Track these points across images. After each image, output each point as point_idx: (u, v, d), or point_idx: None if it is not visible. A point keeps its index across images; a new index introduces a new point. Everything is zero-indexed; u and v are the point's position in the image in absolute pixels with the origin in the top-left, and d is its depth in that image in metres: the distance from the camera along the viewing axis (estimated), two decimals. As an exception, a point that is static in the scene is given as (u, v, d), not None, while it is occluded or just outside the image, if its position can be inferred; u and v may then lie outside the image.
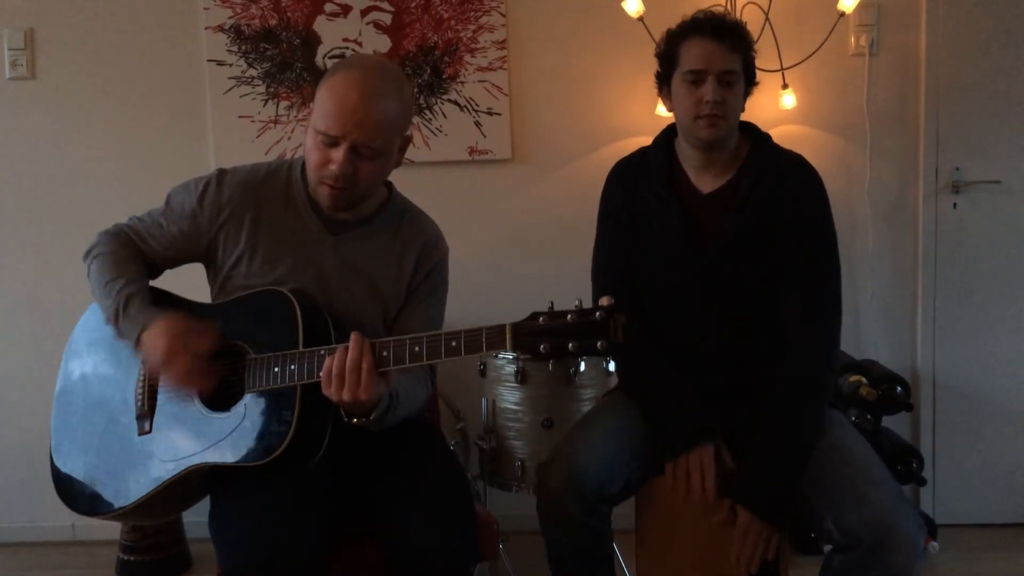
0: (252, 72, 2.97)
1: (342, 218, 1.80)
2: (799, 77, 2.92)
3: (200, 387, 1.66)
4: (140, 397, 1.74)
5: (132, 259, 1.79)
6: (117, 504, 1.72)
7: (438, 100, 2.98)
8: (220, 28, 2.95)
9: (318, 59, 2.96)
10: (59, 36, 2.98)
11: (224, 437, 1.65)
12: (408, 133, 1.78)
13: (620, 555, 2.41)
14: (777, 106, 2.91)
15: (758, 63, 1.92)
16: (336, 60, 2.81)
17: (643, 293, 1.93)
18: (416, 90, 2.96)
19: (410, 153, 2.94)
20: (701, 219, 1.89)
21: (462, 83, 2.97)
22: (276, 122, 2.99)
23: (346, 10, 2.96)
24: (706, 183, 1.92)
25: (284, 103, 2.98)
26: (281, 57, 2.97)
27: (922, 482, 2.83)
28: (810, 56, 2.87)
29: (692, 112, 1.84)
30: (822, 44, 2.85)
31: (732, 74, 1.82)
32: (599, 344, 1.40)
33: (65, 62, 2.99)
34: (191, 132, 3.00)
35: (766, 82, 2.73)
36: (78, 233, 2.91)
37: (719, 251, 1.87)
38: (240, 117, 2.98)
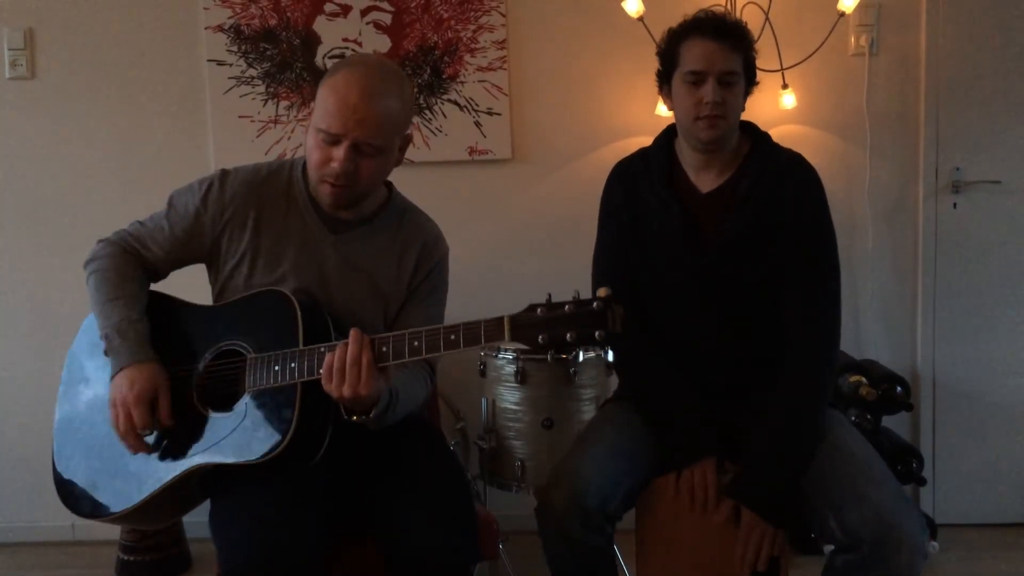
0: (252, 72, 2.97)
1: (343, 217, 1.81)
2: (799, 77, 2.92)
3: (129, 449, 1.69)
4: None
5: (132, 275, 1.80)
6: (118, 506, 1.72)
7: (438, 100, 2.98)
8: (220, 28, 2.95)
9: (318, 59, 2.96)
10: (59, 36, 2.98)
11: (224, 437, 1.65)
12: (408, 132, 1.79)
13: (620, 555, 2.41)
14: (777, 106, 2.91)
15: (758, 63, 1.91)
16: (336, 60, 2.81)
17: (643, 293, 1.93)
18: (416, 90, 2.96)
19: (410, 153, 2.94)
20: (701, 219, 1.89)
21: (462, 83, 2.97)
22: (276, 122, 2.99)
23: (346, 10, 2.96)
24: (706, 182, 1.92)
25: (284, 103, 2.98)
26: (281, 57, 2.97)
27: (922, 482, 2.83)
28: (810, 56, 2.87)
29: (692, 113, 1.84)
30: (822, 44, 2.85)
31: (733, 75, 1.82)
32: (597, 334, 1.40)
33: (65, 62, 2.99)
34: (191, 132, 3.00)
35: (766, 82, 2.73)
36: (78, 233, 2.94)
37: (719, 251, 1.87)
38: (240, 117, 2.98)
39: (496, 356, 2.48)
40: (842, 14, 2.79)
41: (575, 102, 3.00)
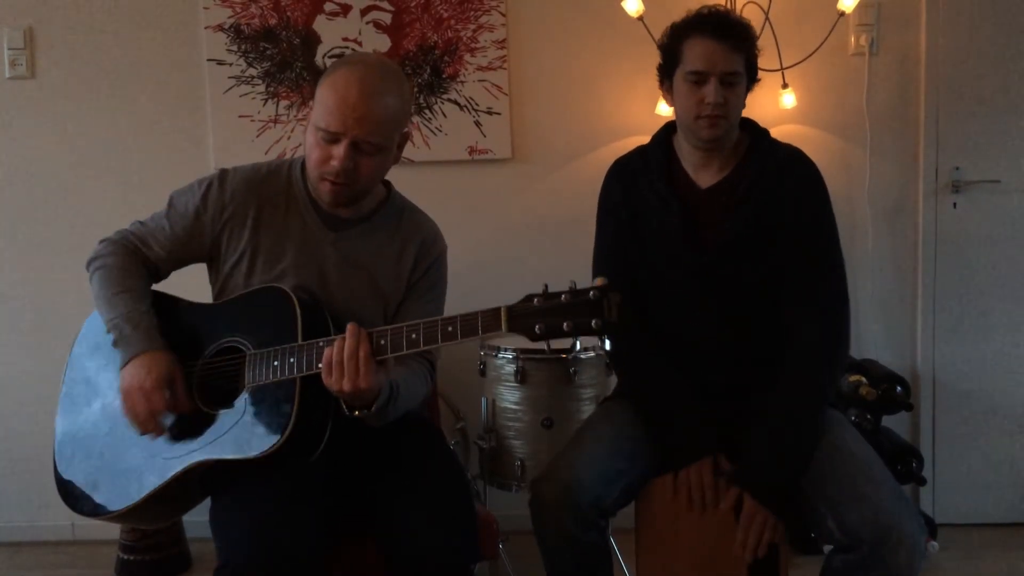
0: (252, 71, 2.97)
1: (342, 215, 1.82)
2: (799, 77, 2.92)
3: (145, 433, 1.69)
4: None
5: (135, 271, 1.81)
6: (119, 504, 1.72)
7: (438, 100, 2.98)
8: (220, 27, 2.95)
9: (318, 58, 2.96)
10: (59, 35, 2.97)
11: (224, 432, 1.65)
12: (407, 130, 1.80)
13: (620, 555, 2.41)
14: (777, 106, 2.91)
15: (758, 63, 1.91)
16: (335, 59, 2.81)
17: (643, 291, 1.93)
18: (416, 90, 2.97)
19: (410, 153, 2.97)
20: (700, 216, 1.89)
21: (462, 83, 2.97)
22: (276, 121, 2.99)
23: (346, 9, 2.96)
24: (705, 179, 1.91)
25: (284, 102, 2.98)
26: (281, 56, 2.97)
27: (922, 482, 2.83)
28: (810, 56, 2.87)
29: (693, 112, 1.83)
30: (822, 44, 2.85)
31: (735, 75, 1.81)
32: (594, 323, 1.41)
33: (65, 61, 2.98)
34: (191, 131, 3.00)
35: (766, 81, 2.73)
36: (79, 233, 2.95)
37: (719, 248, 1.86)
38: (240, 116, 2.98)
39: (496, 355, 2.48)
40: (842, 14, 2.79)
41: (575, 102, 3.00)
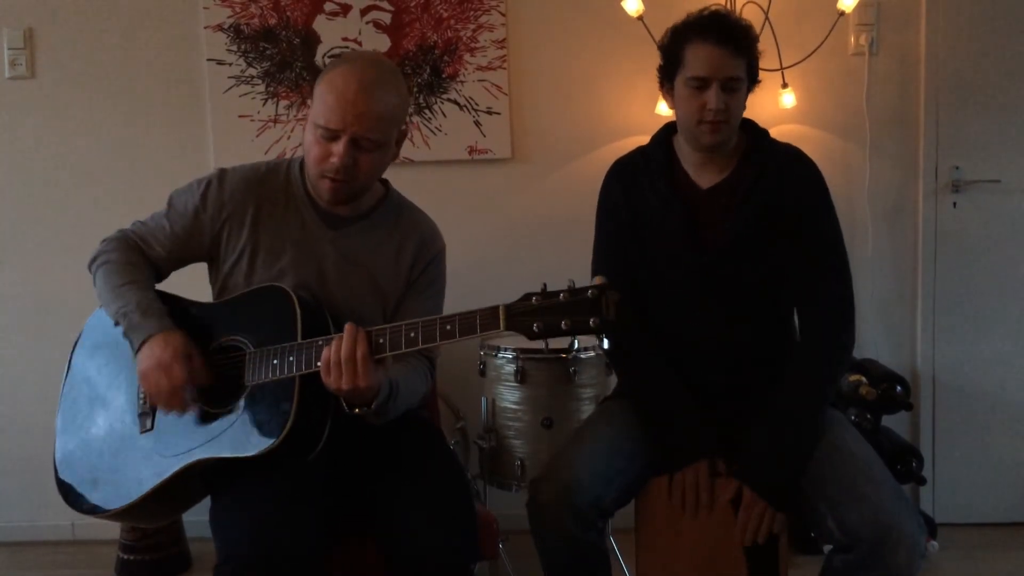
0: (252, 71, 2.97)
1: (341, 213, 1.83)
2: (799, 76, 2.92)
3: (169, 408, 1.67)
4: (142, 395, 1.75)
5: (139, 264, 1.82)
6: (119, 502, 1.72)
7: (438, 99, 2.98)
8: (220, 27, 2.95)
9: (318, 58, 2.96)
10: (59, 36, 2.97)
11: (224, 431, 1.65)
12: (405, 127, 1.81)
13: (620, 555, 2.41)
14: (777, 105, 2.91)
15: (759, 64, 1.91)
16: (334, 58, 2.81)
17: (643, 291, 1.93)
18: (416, 89, 2.97)
19: (410, 152, 2.97)
20: (701, 217, 1.89)
21: (462, 82, 2.97)
22: (276, 121, 2.99)
23: (346, 9, 2.96)
24: (706, 179, 1.91)
25: (284, 102, 2.98)
26: (281, 56, 2.97)
27: (922, 481, 2.83)
28: (810, 55, 2.87)
29: (695, 117, 1.83)
30: (822, 43, 2.85)
31: (736, 80, 1.81)
32: (592, 321, 1.40)
33: (65, 61, 2.98)
34: (191, 131, 3.00)
35: (766, 81, 2.71)
36: (78, 232, 2.94)
37: (720, 249, 1.86)
38: (240, 116, 2.98)
39: (496, 355, 2.48)
40: (842, 13, 2.79)
41: (575, 102, 3.00)
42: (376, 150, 1.72)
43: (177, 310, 1.81)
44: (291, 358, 1.62)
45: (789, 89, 2.89)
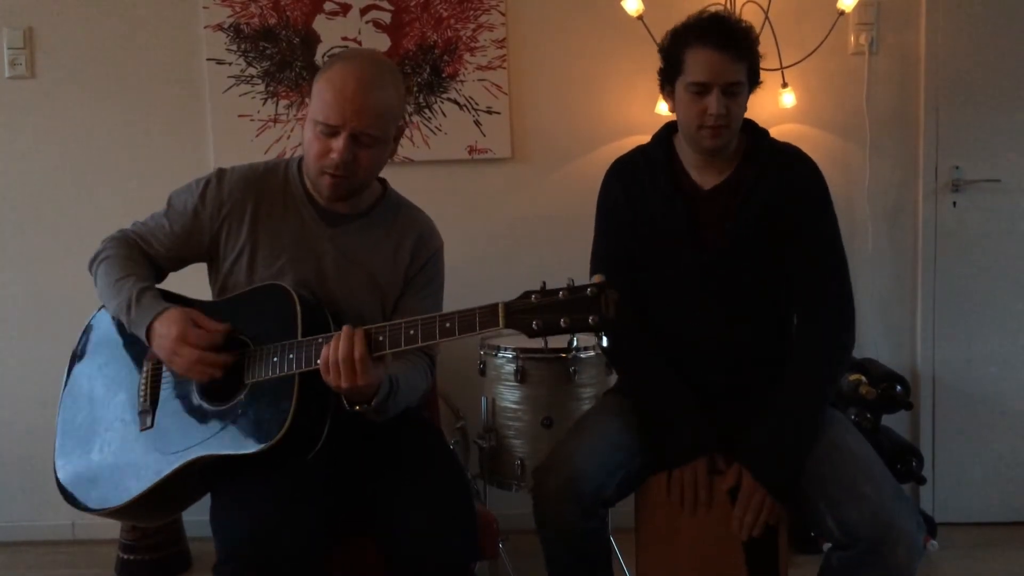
0: (251, 71, 2.97)
1: (339, 211, 1.84)
2: (799, 76, 2.92)
3: (207, 376, 1.67)
4: (143, 393, 1.76)
5: (137, 259, 1.84)
6: (118, 500, 1.72)
7: (438, 99, 2.98)
8: (219, 27, 2.95)
9: (317, 58, 2.96)
10: (59, 36, 2.97)
11: (224, 428, 1.66)
12: (402, 123, 1.83)
13: (620, 555, 2.41)
14: (777, 105, 2.91)
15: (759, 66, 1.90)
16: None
17: (643, 291, 1.93)
18: (416, 89, 2.97)
19: (410, 152, 2.97)
20: (702, 217, 1.89)
21: (462, 82, 2.97)
22: (275, 121, 2.99)
23: (345, 9, 2.96)
24: (707, 180, 1.91)
25: (283, 102, 2.98)
26: (280, 56, 2.97)
27: (922, 481, 2.83)
28: (810, 55, 2.87)
29: (696, 121, 1.82)
30: (822, 43, 2.85)
31: (737, 84, 1.80)
32: (591, 319, 1.41)
33: (64, 61, 2.98)
34: (190, 131, 3.00)
35: (766, 81, 2.70)
36: (78, 232, 2.95)
37: (721, 249, 1.87)
38: (240, 116, 2.98)
39: (496, 355, 2.48)
40: (842, 13, 2.79)
41: (575, 101, 3.00)
42: (375, 145, 1.73)
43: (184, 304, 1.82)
44: (291, 356, 1.62)
45: (789, 89, 2.89)
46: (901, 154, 3.00)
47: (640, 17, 2.78)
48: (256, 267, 1.81)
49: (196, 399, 1.71)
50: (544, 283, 1.46)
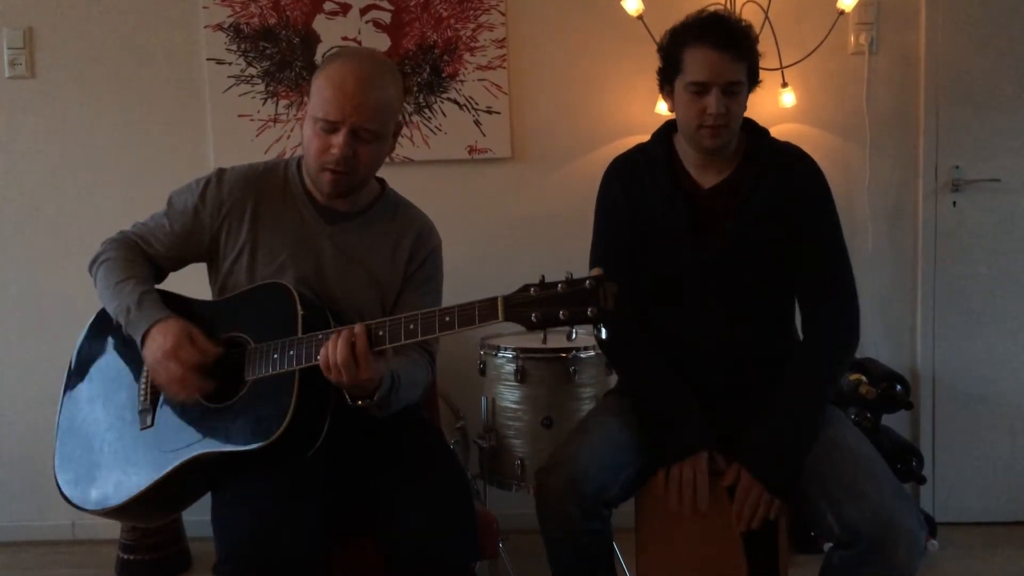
0: (251, 71, 2.97)
1: (338, 208, 1.85)
2: (798, 75, 2.92)
3: (184, 395, 1.67)
4: (143, 392, 1.76)
5: (136, 260, 1.84)
6: (118, 499, 1.72)
7: (438, 99, 2.98)
8: (219, 27, 2.95)
9: (317, 58, 2.96)
10: (58, 35, 2.97)
11: (225, 425, 1.66)
12: (400, 120, 1.84)
13: (620, 555, 2.41)
14: (776, 104, 2.91)
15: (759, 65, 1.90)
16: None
17: (643, 290, 1.93)
18: (416, 89, 2.97)
19: (410, 152, 2.97)
20: (703, 216, 1.89)
21: (462, 82, 2.97)
22: (275, 121, 2.99)
23: (345, 9, 2.96)
24: (707, 179, 1.91)
25: (283, 102, 2.98)
26: (280, 56, 2.97)
27: (922, 480, 2.83)
28: (810, 54, 2.87)
29: (695, 121, 1.83)
30: (822, 42, 2.85)
31: (737, 84, 1.80)
32: (589, 311, 1.42)
33: (64, 61, 2.98)
34: (190, 131, 3.00)
35: (765, 80, 2.70)
36: (78, 232, 2.95)
37: (721, 249, 1.87)
38: (239, 116, 2.98)
39: (496, 355, 2.48)
40: (842, 12, 2.79)
41: (575, 101, 3.00)
42: (374, 141, 1.74)
43: (179, 308, 1.82)
44: (291, 352, 1.63)
45: (789, 88, 2.89)
46: (901, 154, 3.00)
47: (640, 17, 2.79)
48: (256, 265, 1.82)
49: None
50: (543, 276, 1.47)
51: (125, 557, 2.78)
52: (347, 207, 1.85)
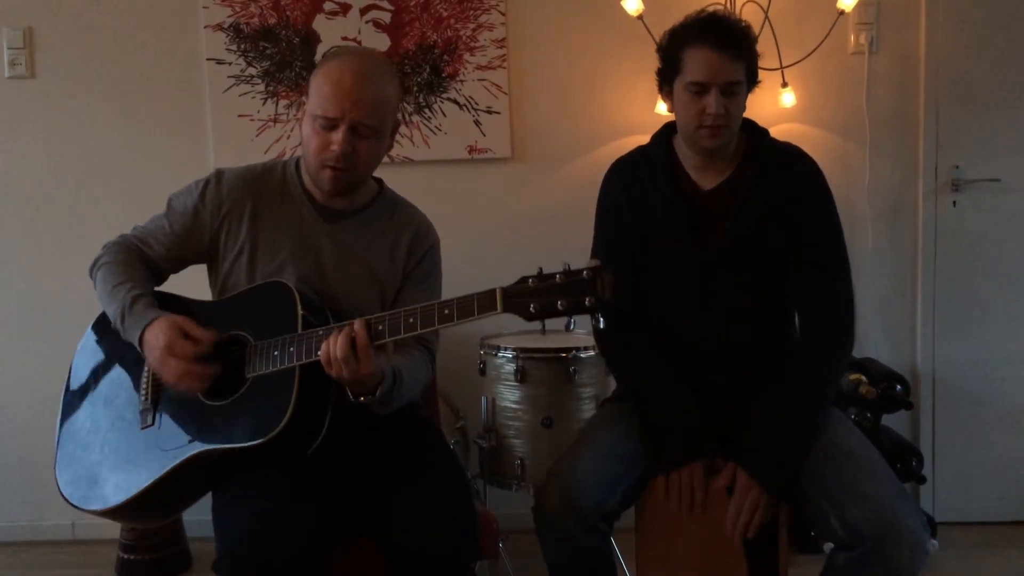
0: (251, 71, 2.97)
1: (337, 207, 1.86)
2: (798, 75, 2.92)
3: (194, 387, 1.68)
4: (144, 391, 1.77)
5: (137, 264, 1.85)
6: (119, 499, 1.72)
7: (437, 99, 2.98)
8: (219, 27, 2.95)
9: (317, 58, 2.96)
10: (58, 35, 2.97)
11: (225, 423, 1.66)
12: (398, 117, 1.86)
13: (620, 555, 2.41)
14: (776, 104, 2.91)
15: (758, 65, 1.90)
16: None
17: (643, 291, 1.93)
18: (416, 89, 2.97)
19: (410, 152, 2.97)
20: (703, 217, 1.89)
21: (462, 82, 2.97)
22: (275, 121, 2.99)
23: (345, 9, 2.96)
24: (707, 180, 1.91)
25: (283, 102, 2.98)
26: (280, 56, 2.97)
27: (922, 480, 2.83)
28: (810, 54, 2.87)
29: (695, 121, 1.82)
30: (821, 42, 2.85)
31: (736, 84, 1.80)
32: (587, 300, 1.42)
33: (64, 61, 2.98)
34: (190, 131, 3.00)
35: (765, 80, 2.70)
36: (78, 232, 2.95)
37: (721, 249, 1.86)
38: (239, 116, 2.98)
39: (496, 354, 2.48)
40: (842, 12, 2.79)
41: (575, 101, 3.00)
42: (373, 137, 1.76)
43: (179, 308, 1.82)
44: (291, 349, 1.63)
45: (789, 88, 2.89)
46: (901, 154, 3.00)
47: (640, 17, 2.79)
48: (256, 264, 1.83)
49: (198, 394, 1.71)
50: (541, 268, 1.47)
51: (125, 557, 2.78)
52: (345, 205, 1.86)
